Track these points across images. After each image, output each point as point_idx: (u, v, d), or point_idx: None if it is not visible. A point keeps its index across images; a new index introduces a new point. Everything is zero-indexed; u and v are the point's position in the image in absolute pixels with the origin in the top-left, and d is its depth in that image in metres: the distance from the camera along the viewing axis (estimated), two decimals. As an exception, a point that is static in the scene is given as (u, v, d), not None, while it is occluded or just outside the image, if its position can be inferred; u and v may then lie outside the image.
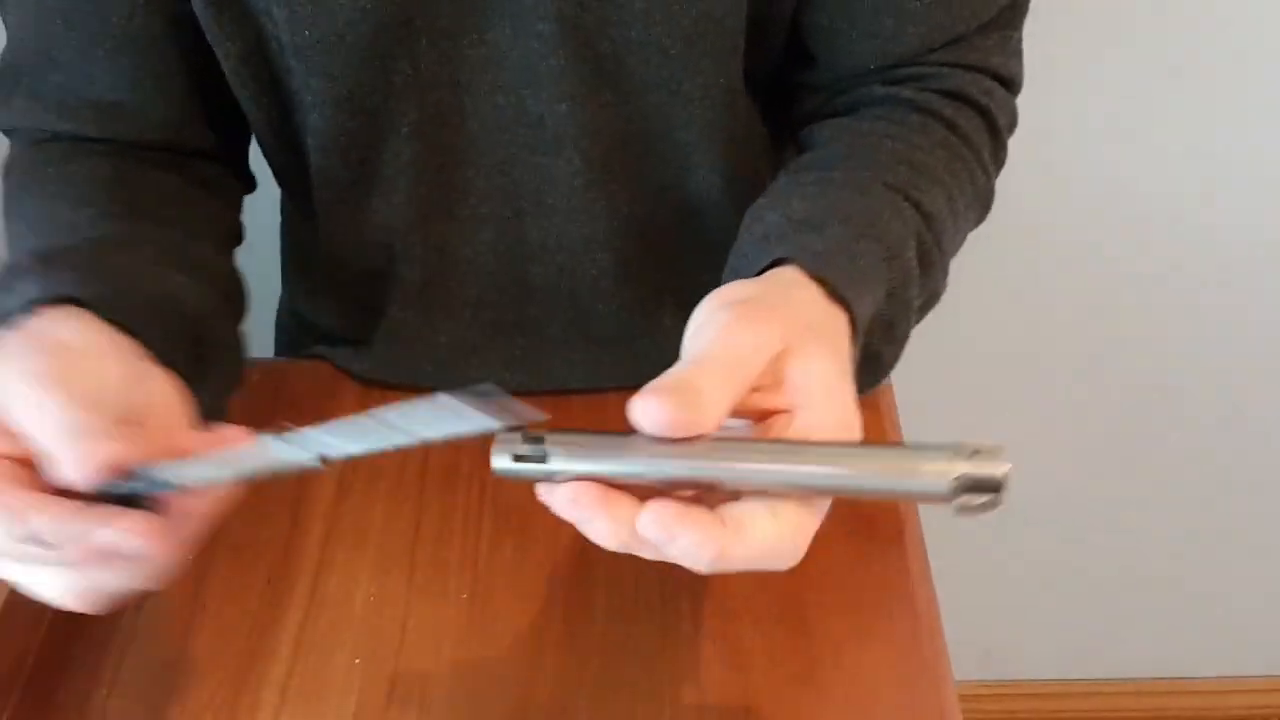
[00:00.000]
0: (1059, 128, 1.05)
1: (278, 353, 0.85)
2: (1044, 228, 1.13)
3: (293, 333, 0.83)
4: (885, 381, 0.74)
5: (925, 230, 0.57)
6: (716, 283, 0.50)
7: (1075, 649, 1.50)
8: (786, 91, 0.70)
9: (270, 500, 0.67)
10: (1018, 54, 0.67)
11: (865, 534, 0.65)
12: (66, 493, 0.44)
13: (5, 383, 0.45)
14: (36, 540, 0.42)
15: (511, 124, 0.64)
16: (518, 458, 0.42)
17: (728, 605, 0.62)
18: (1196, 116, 1.05)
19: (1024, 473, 1.37)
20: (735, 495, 0.42)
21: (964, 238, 0.65)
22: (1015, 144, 0.69)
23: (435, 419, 0.38)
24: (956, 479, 0.39)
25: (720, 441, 0.41)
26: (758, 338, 0.44)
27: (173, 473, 0.43)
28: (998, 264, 1.15)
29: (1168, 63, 1.02)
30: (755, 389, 0.44)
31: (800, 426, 0.43)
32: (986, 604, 1.40)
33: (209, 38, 0.61)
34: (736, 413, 0.43)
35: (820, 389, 0.44)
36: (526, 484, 0.42)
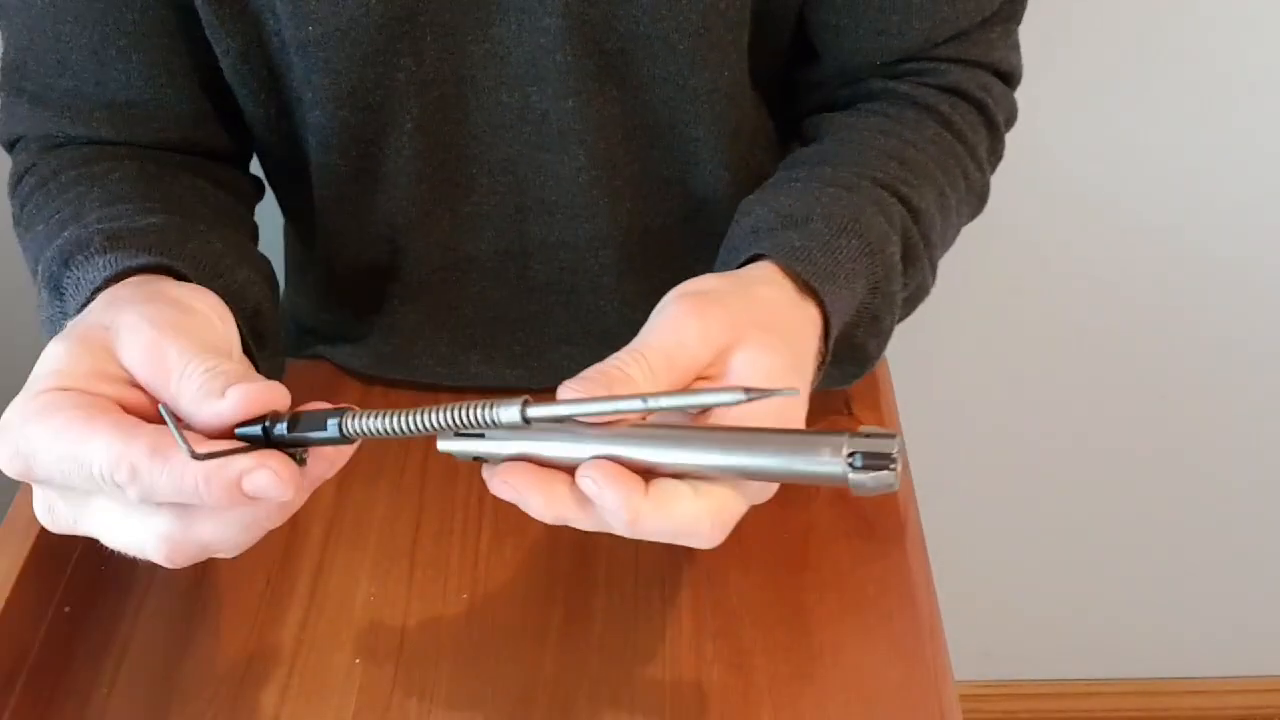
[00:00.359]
0: (1058, 126, 1.05)
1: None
2: (1045, 226, 1.13)
3: (292, 332, 0.83)
4: (885, 383, 0.74)
5: (912, 226, 0.58)
6: None
7: (1075, 649, 1.50)
8: (791, 86, 0.70)
9: (270, 499, 0.67)
10: (1017, 47, 0.68)
11: (865, 534, 0.65)
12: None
13: (126, 325, 0.43)
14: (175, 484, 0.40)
15: (516, 120, 0.64)
16: (458, 434, 0.44)
17: (728, 605, 0.62)
18: (1196, 115, 1.05)
19: (1024, 473, 1.39)
20: (678, 476, 0.43)
21: (956, 233, 0.66)
22: (1014, 140, 0.69)
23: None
24: (850, 453, 0.41)
25: (642, 426, 0.43)
26: (705, 329, 0.46)
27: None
28: (997, 264, 1.15)
29: (1165, 60, 1.02)
30: (703, 378, 0.46)
31: (735, 417, 0.45)
32: (986, 604, 1.40)
33: (208, 34, 0.61)
34: None
35: (760, 382, 0.45)
36: (473, 464, 0.45)
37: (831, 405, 0.72)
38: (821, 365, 0.52)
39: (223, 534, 0.42)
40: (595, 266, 0.70)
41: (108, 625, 0.61)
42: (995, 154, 0.68)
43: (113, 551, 0.44)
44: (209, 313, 0.47)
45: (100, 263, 0.49)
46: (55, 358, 0.43)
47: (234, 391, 0.41)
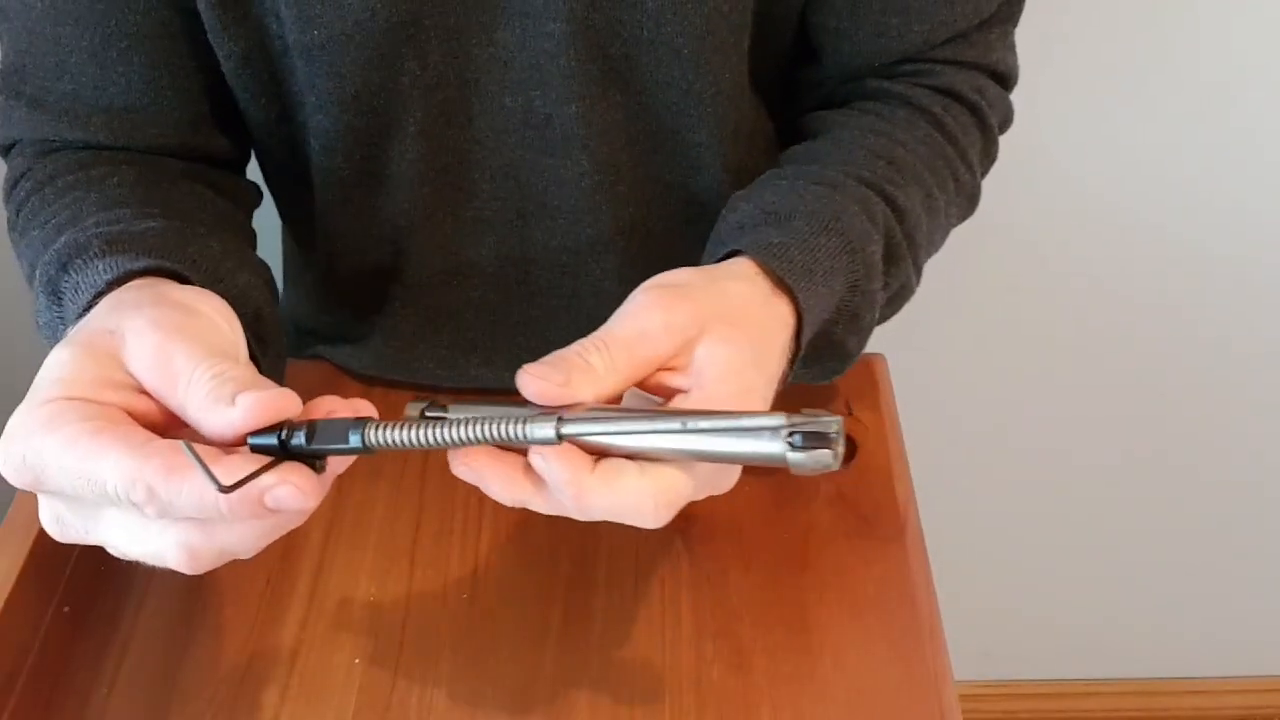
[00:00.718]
0: (1059, 127, 1.05)
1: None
2: (1044, 226, 1.13)
3: (291, 333, 0.83)
4: (885, 383, 0.74)
5: (896, 225, 0.59)
6: None
7: (1075, 649, 1.51)
8: (790, 87, 0.70)
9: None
10: (1013, 49, 0.68)
11: (865, 534, 0.65)
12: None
13: (131, 330, 0.43)
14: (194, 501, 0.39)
15: (519, 125, 0.64)
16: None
17: (728, 605, 0.62)
18: (1194, 114, 1.05)
19: (1024, 473, 1.38)
20: (630, 458, 0.44)
21: (945, 234, 0.66)
22: (1015, 140, 0.69)
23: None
24: (789, 434, 0.41)
25: (594, 409, 0.44)
26: (669, 321, 0.46)
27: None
28: (996, 265, 1.15)
29: (1162, 58, 1.02)
30: (667, 369, 0.47)
31: (694, 403, 0.46)
32: (986, 604, 1.40)
33: (211, 38, 0.60)
34: (646, 390, 0.47)
35: (716, 372, 0.46)
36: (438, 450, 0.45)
37: (833, 407, 0.72)
38: (793, 361, 0.52)
39: (243, 540, 0.42)
40: (597, 271, 0.71)
41: (107, 625, 0.61)
42: (988, 156, 0.68)
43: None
44: (214, 315, 0.46)
45: (100, 266, 0.49)
46: (60, 365, 0.42)
47: (244, 399, 0.40)
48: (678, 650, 0.60)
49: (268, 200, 0.75)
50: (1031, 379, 1.25)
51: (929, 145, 0.63)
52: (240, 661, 0.60)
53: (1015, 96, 0.70)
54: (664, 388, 0.47)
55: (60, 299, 0.50)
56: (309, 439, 0.42)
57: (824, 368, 0.60)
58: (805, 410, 0.42)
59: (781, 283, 0.51)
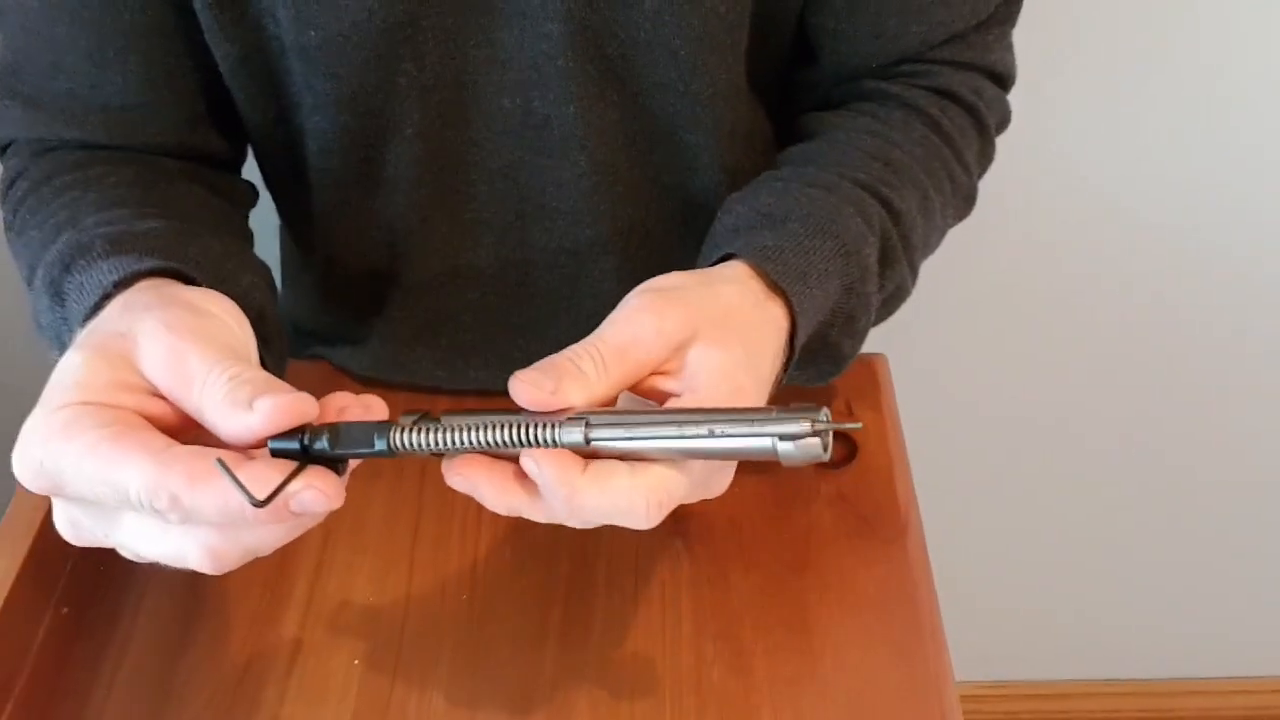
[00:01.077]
0: (1059, 127, 1.05)
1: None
2: (1045, 226, 1.13)
3: (290, 334, 0.82)
4: (885, 383, 0.74)
5: (891, 227, 0.59)
6: None
7: (1075, 649, 1.51)
8: (787, 87, 0.70)
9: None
10: (1011, 49, 0.68)
11: (865, 534, 0.65)
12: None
13: (144, 332, 0.43)
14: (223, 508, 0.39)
15: (517, 126, 0.64)
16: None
17: (728, 605, 0.62)
18: (1196, 113, 1.05)
19: (1024, 473, 1.38)
20: (621, 459, 0.44)
21: (941, 235, 0.66)
22: (1017, 140, 0.69)
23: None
24: (776, 415, 0.42)
25: (584, 412, 0.44)
26: (661, 325, 0.47)
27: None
28: (997, 265, 1.15)
29: (1163, 57, 1.02)
30: (660, 373, 0.47)
31: (683, 404, 0.46)
32: (986, 604, 1.40)
33: (208, 38, 0.60)
34: (639, 393, 0.47)
35: (709, 376, 0.46)
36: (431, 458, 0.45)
37: (833, 407, 0.72)
38: (787, 364, 0.52)
39: (265, 541, 0.42)
40: (595, 272, 0.70)
41: (107, 626, 0.61)
42: (985, 157, 0.68)
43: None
44: (224, 316, 0.46)
45: (104, 267, 0.49)
46: (73, 369, 0.42)
47: (262, 404, 0.40)
48: (678, 651, 0.60)
49: (266, 200, 0.75)
50: (1032, 379, 1.25)
51: (925, 146, 0.63)
52: (239, 662, 0.60)
53: (1014, 96, 0.70)
54: (656, 391, 0.47)
55: (64, 300, 0.50)
56: (332, 443, 0.42)
57: (819, 370, 0.60)
58: (791, 405, 0.42)
59: (776, 286, 0.51)
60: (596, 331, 0.47)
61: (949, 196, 0.65)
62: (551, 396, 0.43)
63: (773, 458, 0.42)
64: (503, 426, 0.43)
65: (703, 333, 0.47)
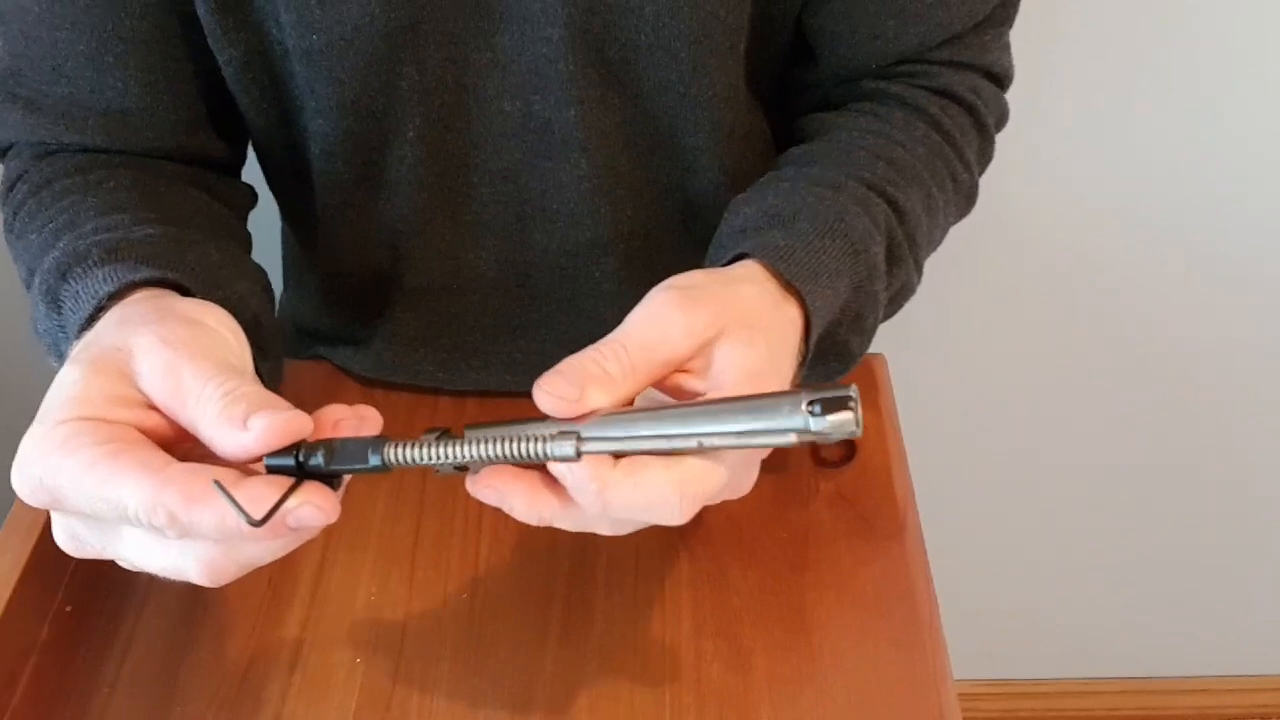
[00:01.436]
0: (1060, 126, 1.05)
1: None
2: (1045, 227, 1.13)
3: (291, 335, 0.83)
4: (884, 383, 0.74)
5: (897, 226, 0.59)
6: None
7: (1075, 649, 1.51)
8: (786, 88, 0.70)
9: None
10: (1008, 49, 0.69)
11: (864, 533, 0.66)
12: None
13: (140, 346, 0.43)
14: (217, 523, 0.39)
15: (518, 129, 0.64)
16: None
17: (728, 604, 0.62)
18: (1195, 113, 1.06)
19: (1023, 472, 1.38)
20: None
21: (944, 233, 0.66)
22: (1017, 142, 0.70)
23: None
24: (809, 402, 0.41)
25: (611, 412, 0.44)
26: (690, 323, 0.46)
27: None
28: (996, 265, 1.15)
29: (1161, 58, 1.02)
30: (685, 370, 0.46)
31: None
32: (986, 604, 1.40)
33: (210, 42, 0.61)
34: (663, 390, 0.47)
35: (735, 375, 0.46)
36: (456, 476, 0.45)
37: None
38: (802, 364, 0.52)
39: (263, 555, 0.42)
40: (596, 273, 0.71)
41: (109, 625, 0.61)
42: (985, 155, 0.69)
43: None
44: (220, 328, 0.46)
45: (100, 275, 0.49)
46: (70, 384, 0.42)
47: (257, 423, 0.40)
48: (678, 649, 0.60)
49: (267, 202, 0.75)
50: (1031, 378, 1.25)
51: (927, 146, 0.64)
52: (242, 661, 0.60)
53: (1012, 95, 0.70)
54: (681, 390, 0.47)
55: (60, 308, 0.50)
56: (327, 459, 0.42)
57: (827, 369, 0.60)
58: (817, 385, 0.42)
59: (789, 285, 0.51)
60: (621, 328, 0.46)
61: (951, 195, 0.65)
62: (576, 405, 0.43)
63: (807, 436, 0.41)
64: (493, 442, 0.43)
65: (729, 331, 0.47)
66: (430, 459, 0.43)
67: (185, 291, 0.50)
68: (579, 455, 0.42)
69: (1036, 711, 1.55)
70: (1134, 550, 1.41)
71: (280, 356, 0.60)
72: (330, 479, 0.42)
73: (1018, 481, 1.34)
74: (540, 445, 0.42)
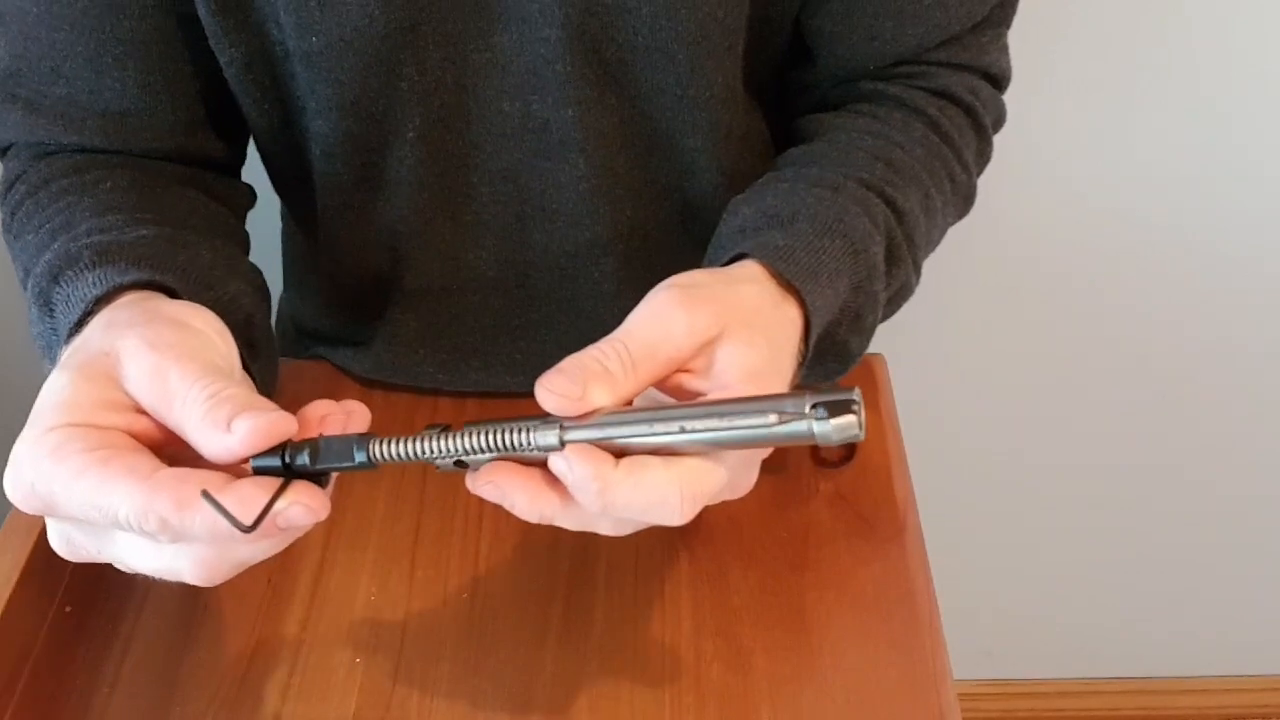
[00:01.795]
0: (1052, 124, 1.05)
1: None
2: (1045, 228, 1.13)
3: (291, 335, 0.83)
4: (884, 384, 0.74)
5: (896, 226, 0.59)
6: None
7: (1075, 649, 1.51)
8: (784, 88, 0.70)
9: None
10: (1006, 50, 0.69)
11: (865, 534, 0.66)
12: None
13: (126, 350, 0.43)
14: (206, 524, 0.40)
15: (517, 129, 0.64)
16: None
17: (728, 604, 0.62)
18: (1191, 112, 1.06)
19: (1023, 472, 1.38)
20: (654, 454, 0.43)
21: (942, 233, 0.67)
22: (1017, 142, 0.70)
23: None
24: (812, 405, 0.41)
25: (613, 411, 0.43)
26: (692, 322, 0.46)
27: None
28: (995, 266, 1.15)
29: (1159, 58, 1.02)
30: (686, 371, 0.46)
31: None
32: (986, 604, 1.40)
33: (212, 43, 0.61)
34: (664, 390, 0.46)
35: (737, 375, 0.46)
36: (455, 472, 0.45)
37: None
38: (801, 364, 0.52)
39: (255, 554, 0.43)
40: (595, 274, 0.71)
41: (109, 625, 0.61)
42: (983, 156, 0.69)
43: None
44: (207, 330, 0.47)
45: (90, 279, 0.49)
46: (59, 390, 0.42)
47: (240, 425, 0.41)
48: (678, 649, 0.60)
49: (268, 203, 0.76)
50: (1031, 378, 1.25)
51: (925, 146, 0.64)
52: (242, 661, 0.60)
53: (1011, 96, 0.70)
54: (682, 389, 0.47)
55: (52, 311, 0.51)
56: (313, 458, 0.42)
57: (826, 369, 0.60)
58: (820, 386, 0.42)
59: (789, 285, 0.51)
60: (623, 327, 0.46)
61: (949, 195, 0.65)
62: (578, 403, 0.43)
63: (810, 439, 0.41)
64: (478, 433, 0.43)
65: (730, 331, 0.47)
66: (414, 453, 0.43)
67: (175, 293, 0.50)
68: (563, 444, 0.42)
69: (1036, 711, 1.55)
70: (1134, 550, 1.41)
71: (274, 356, 0.61)
72: (318, 477, 0.42)
73: (1018, 481, 1.34)
74: (525, 434, 0.42)
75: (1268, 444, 1.31)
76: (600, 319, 0.73)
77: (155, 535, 0.40)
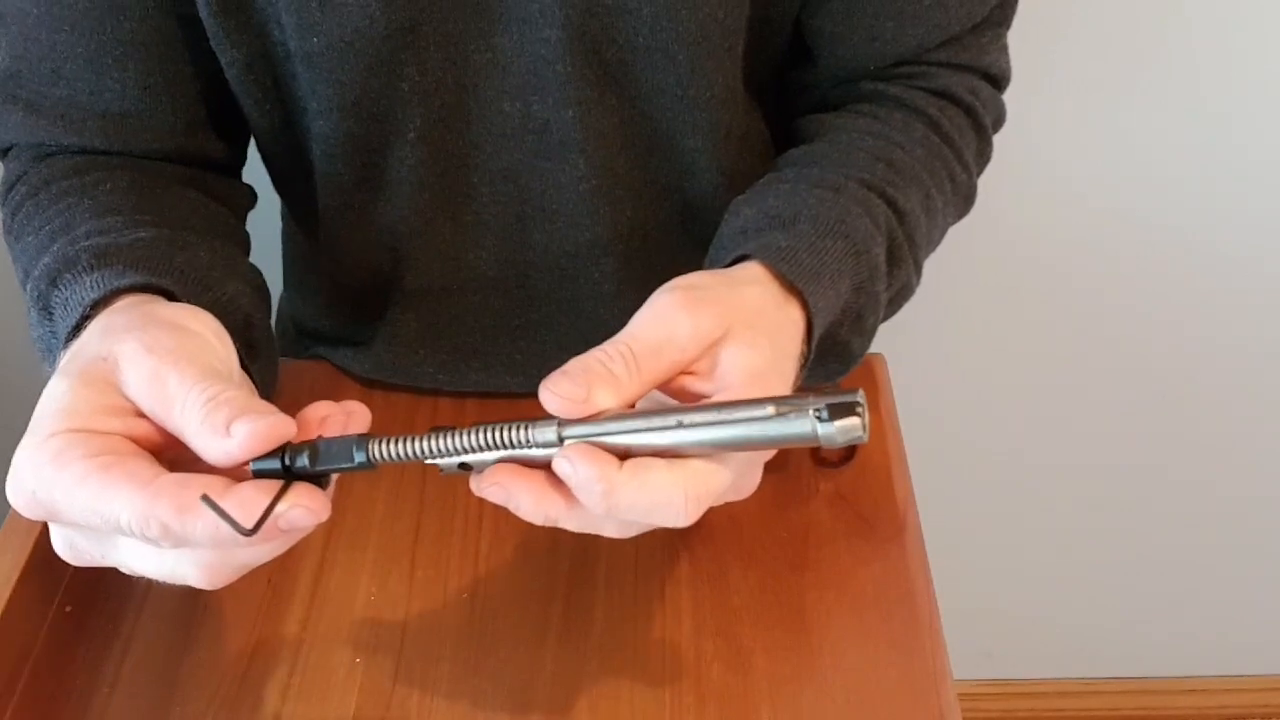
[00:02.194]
0: (1052, 124, 1.05)
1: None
2: (1045, 228, 1.13)
3: (292, 335, 0.83)
4: (884, 384, 0.74)
5: (897, 227, 0.59)
6: None
7: (1075, 649, 1.51)
8: (785, 89, 0.70)
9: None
10: (1006, 51, 0.69)
11: (864, 533, 0.66)
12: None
13: (125, 355, 0.43)
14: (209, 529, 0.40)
15: (517, 130, 0.64)
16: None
17: (728, 604, 0.62)
18: (1191, 112, 1.06)
19: (1023, 472, 1.38)
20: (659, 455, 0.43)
21: (943, 233, 0.67)
22: (1017, 143, 0.70)
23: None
24: (816, 407, 0.41)
25: (617, 414, 0.43)
26: (696, 324, 0.46)
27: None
28: (995, 267, 1.15)
29: (1159, 58, 1.02)
30: (689, 373, 0.46)
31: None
32: (986, 604, 1.40)
33: (213, 44, 0.61)
34: (668, 393, 0.46)
35: (740, 376, 0.46)
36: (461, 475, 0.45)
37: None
38: (804, 365, 0.52)
39: (258, 556, 0.43)
40: (595, 274, 0.71)
41: (109, 625, 0.61)
42: (983, 156, 0.69)
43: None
44: (204, 332, 0.47)
45: (87, 282, 0.49)
46: (59, 396, 0.42)
47: (239, 429, 0.41)
48: (678, 649, 0.60)
49: (268, 203, 0.76)
50: (1031, 378, 1.25)
51: (926, 147, 0.64)
52: (242, 660, 0.60)
53: (1011, 96, 0.70)
54: (686, 392, 0.47)
55: (51, 314, 0.51)
56: (313, 460, 0.42)
57: (827, 369, 0.60)
58: (824, 388, 0.42)
59: (791, 286, 0.51)
60: (627, 329, 0.46)
61: (950, 195, 0.65)
62: (582, 405, 0.43)
63: (813, 441, 0.41)
64: (476, 432, 0.43)
65: (734, 333, 0.47)
66: (413, 453, 0.43)
67: (173, 296, 0.50)
68: (561, 440, 0.42)
69: (1036, 711, 1.55)
70: (1134, 550, 1.41)
71: (274, 356, 0.61)
72: (319, 478, 0.42)
73: (1018, 481, 1.34)
74: (522, 432, 0.42)
75: (1268, 444, 1.31)
76: (600, 319, 0.73)
77: (157, 541, 0.40)
